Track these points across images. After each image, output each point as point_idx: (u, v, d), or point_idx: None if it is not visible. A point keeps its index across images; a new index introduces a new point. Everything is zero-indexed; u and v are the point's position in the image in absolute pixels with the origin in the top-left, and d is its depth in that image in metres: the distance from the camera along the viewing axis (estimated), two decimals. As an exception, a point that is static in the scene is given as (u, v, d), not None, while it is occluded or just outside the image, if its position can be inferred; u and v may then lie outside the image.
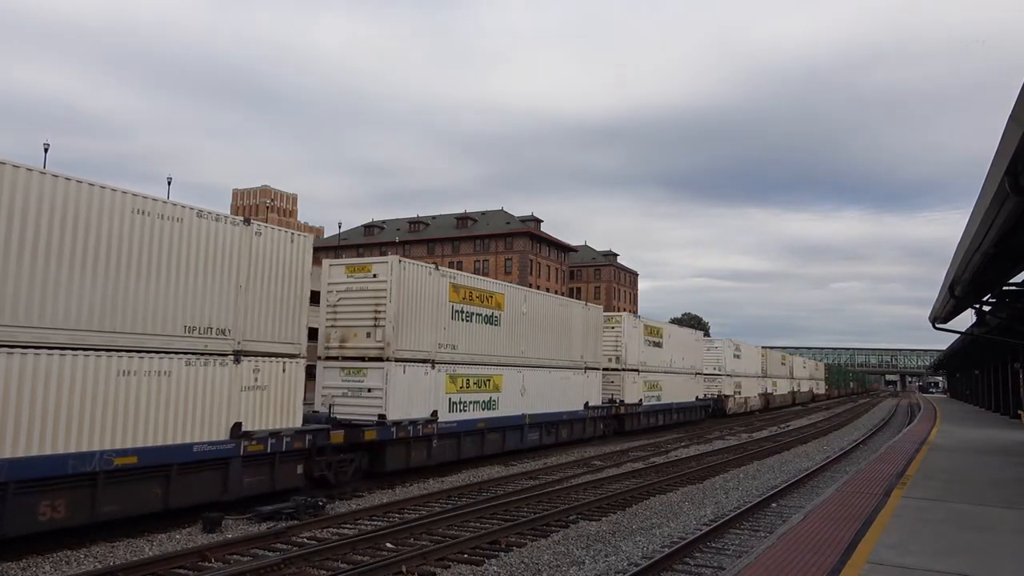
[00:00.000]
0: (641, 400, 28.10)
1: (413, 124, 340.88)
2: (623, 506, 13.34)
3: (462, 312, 17.75)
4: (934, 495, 11.52)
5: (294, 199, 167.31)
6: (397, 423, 15.17)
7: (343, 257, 22.69)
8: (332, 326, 15.93)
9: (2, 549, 8.86)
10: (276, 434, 12.21)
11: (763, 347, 52.29)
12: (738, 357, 44.50)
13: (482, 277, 20.23)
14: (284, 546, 10.00)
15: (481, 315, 18.53)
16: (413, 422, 15.67)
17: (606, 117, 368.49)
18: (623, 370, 27.26)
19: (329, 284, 16.15)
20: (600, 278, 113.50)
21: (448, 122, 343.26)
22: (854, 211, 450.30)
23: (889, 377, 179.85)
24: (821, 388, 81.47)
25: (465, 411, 17.67)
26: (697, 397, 35.81)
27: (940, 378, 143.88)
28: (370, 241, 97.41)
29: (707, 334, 58.90)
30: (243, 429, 11.59)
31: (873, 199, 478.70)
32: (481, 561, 9.37)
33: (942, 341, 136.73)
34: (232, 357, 11.54)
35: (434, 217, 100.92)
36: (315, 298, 14.89)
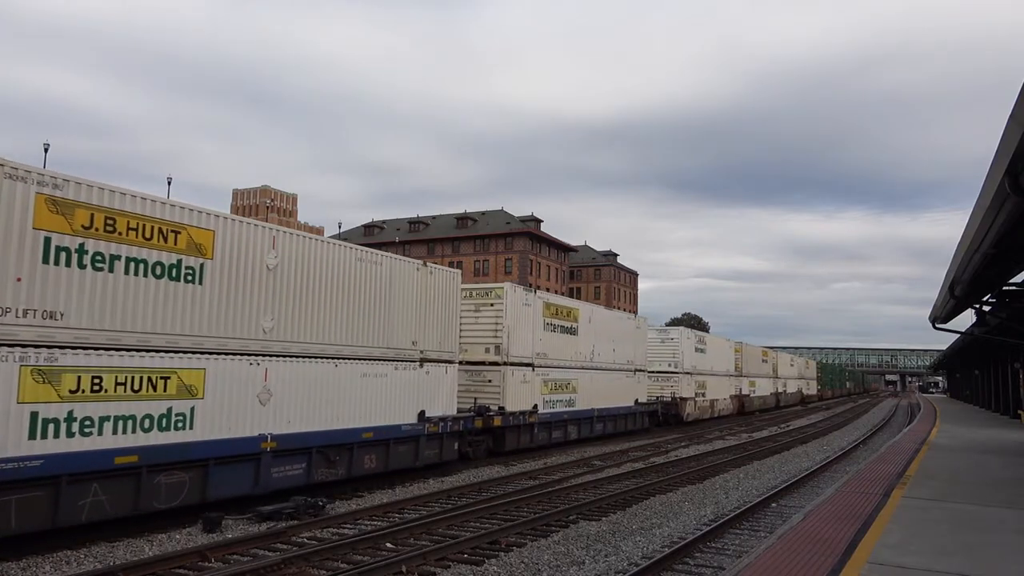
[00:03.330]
0: (537, 406, 20.82)
1: (414, 124, 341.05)
2: (623, 506, 13.34)
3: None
4: (934, 495, 11.52)
5: (294, 199, 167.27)
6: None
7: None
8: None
9: (5, 547, 8.87)
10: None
11: (738, 341, 45.60)
12: (701, 351, 37.04)
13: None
14: (284, 546, 10.00)
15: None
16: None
17: (608, 118, 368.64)
18: (508, 365, 19.89)
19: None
20: (600, 278, 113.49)
21: (449, 122, 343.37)
22: (856, 211, 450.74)
23: (889, 377, 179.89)
24: (812, 388, 74.29)
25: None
26: (637, 400, 28.33)
27: (940, 378, 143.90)
28: (370, 241, 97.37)
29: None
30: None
31: (875, 199, 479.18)
32: (481, 561, 9.38)
33: (942, 341, 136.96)
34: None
35: (434, 217, 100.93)
36: None
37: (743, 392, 44.71)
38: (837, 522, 9.32)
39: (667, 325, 40.15)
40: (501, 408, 19.13)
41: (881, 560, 7.36)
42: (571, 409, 23.05)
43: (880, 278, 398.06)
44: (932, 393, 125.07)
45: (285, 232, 12.73)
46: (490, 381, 19.66)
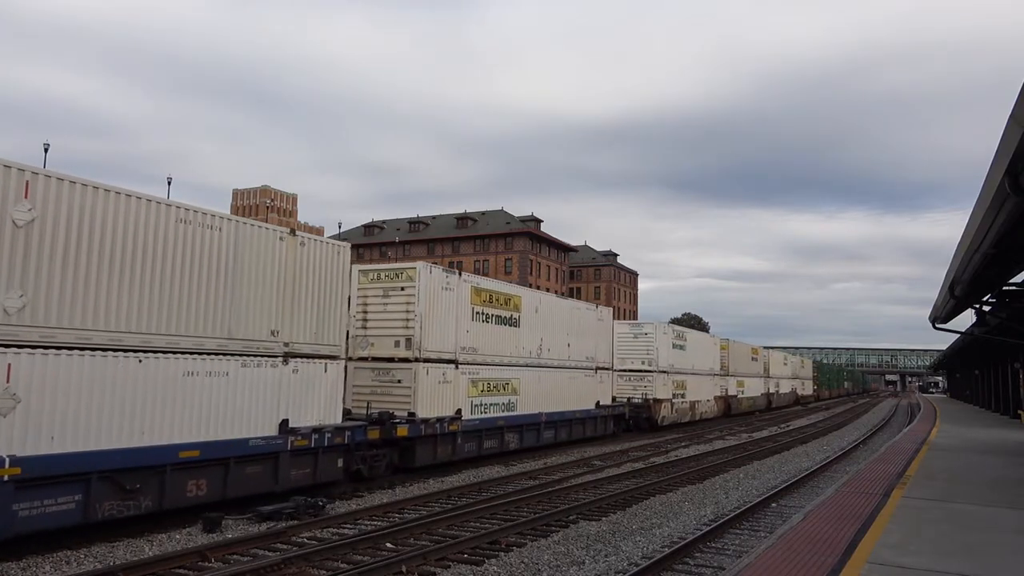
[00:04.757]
0: (460, 412, 17.51)
1: (414, 124, 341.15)
2: (623, 506, 13.34)
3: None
4: (934, 495, 11.52)
5: (294, 199, 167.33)
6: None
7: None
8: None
9: (4, 549, 8.87)
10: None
11: (724, 338, 43.01)
12: (680, 348, 33.76)
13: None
14: (284, 546, 10.00)
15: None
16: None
17: (609, 117, 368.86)
18: (421, 361, 16.38)
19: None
20: (600, 278, 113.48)
21: (450, 122, 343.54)
22: (856, 212, 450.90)
23: (889, 377, 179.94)
24: (808, 389, 71.14)
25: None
26: (599, 403, 25.01)
27: (940, 378, 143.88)
28: (370, 241, 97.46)
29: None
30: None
31: (876, 200, 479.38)
32: (481, 561, 9.38)
33: (942, 341, 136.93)
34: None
35: (434, 217, 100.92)
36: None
37: (729, 393, 41.47)
38: (837, 522, 9.32)
39: (669, 324, 37.50)
40: (411, 414, 15.83)
41: (881, 560, 7.36)
42: (510, 414, 19.56)
43: (880, 278, 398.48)
44: (932, 393, 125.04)
45: (49, 177, 9.36)
46: (399, 381, 16.26)
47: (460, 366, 17.75)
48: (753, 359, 48.72)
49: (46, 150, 42.49)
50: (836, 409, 59.27)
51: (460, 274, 18.20)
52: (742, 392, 44.52)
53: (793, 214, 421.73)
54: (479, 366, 18.56)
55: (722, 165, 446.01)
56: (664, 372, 31.32)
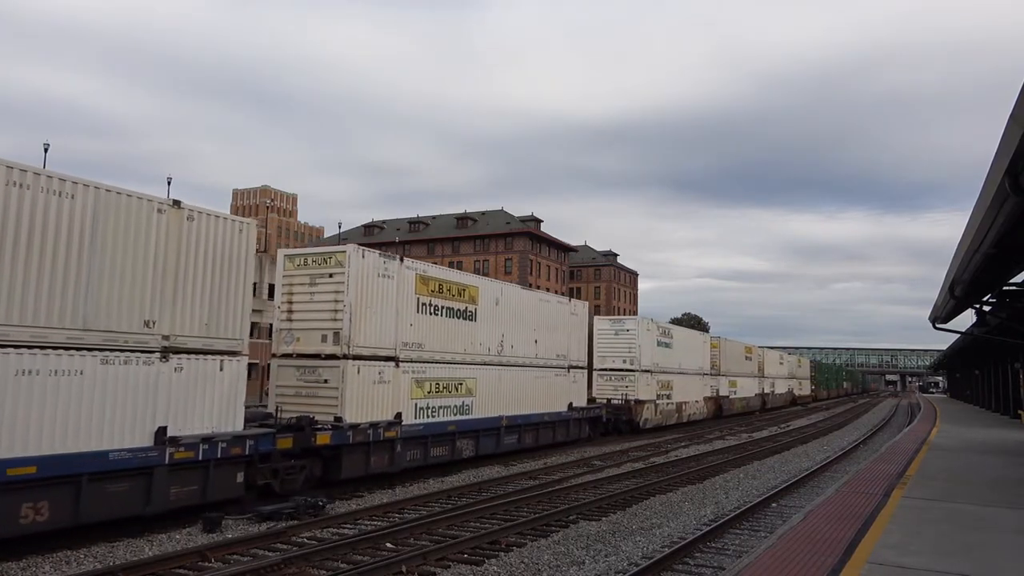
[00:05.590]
0: (401, 415, 15.49)
1: (415, 125, 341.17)
2: (623, 506, 13.34)
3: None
4: (934, 495, 11.51)
5: (294, 199, 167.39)
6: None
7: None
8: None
9: (4, 549, 8.86)
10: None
11: (715, 336, 41.59)
12: (666, 346, 31.80)
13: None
14: (284, 546, 10.00)
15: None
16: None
17: (610, 118, 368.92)
18: (351, 358, 14.51)
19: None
20: (600, 278, 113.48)
21: (452, 123, 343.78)
22: (857, 212, 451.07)
23: (889, 377, 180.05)
24: (805, 389, 69.49)
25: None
26: (572, 404, 23.21)
27: (940, 378, 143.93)
28: (370, 241, 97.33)
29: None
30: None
31: (876, 200, 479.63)
32: (481, 561, 9.38)
33: (942, 341, 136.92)
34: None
35: (434, 217, 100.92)
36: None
37: (720, 393, 39.77)
38: (837, 522, 9.31)
39: (669, 323, 35.99)
40: (338, 419, 13.97)
41: (881, 560, 7.36)
42: (465, 418, 17.67)
43: (881, 278, 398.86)
44: (932, 393, 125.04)
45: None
46: (326, 381, 14.37)
47: (401, 364, 15.75)
48: (747, 358, 47.01)
49: (46, 150, 42.51)
50: (836, 409, 59.25)
51: (402, 260, 16.06)
52: (735, 392, 42.75)
53: (794, 214, 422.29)
54: (426, 364, 16.54)
55: (723, 165, 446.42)
56: (647, 371, 29.47)
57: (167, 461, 10.43)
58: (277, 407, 14.01)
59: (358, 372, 14.51)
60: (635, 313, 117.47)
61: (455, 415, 17.39)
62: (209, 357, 11.33)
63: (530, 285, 75.96)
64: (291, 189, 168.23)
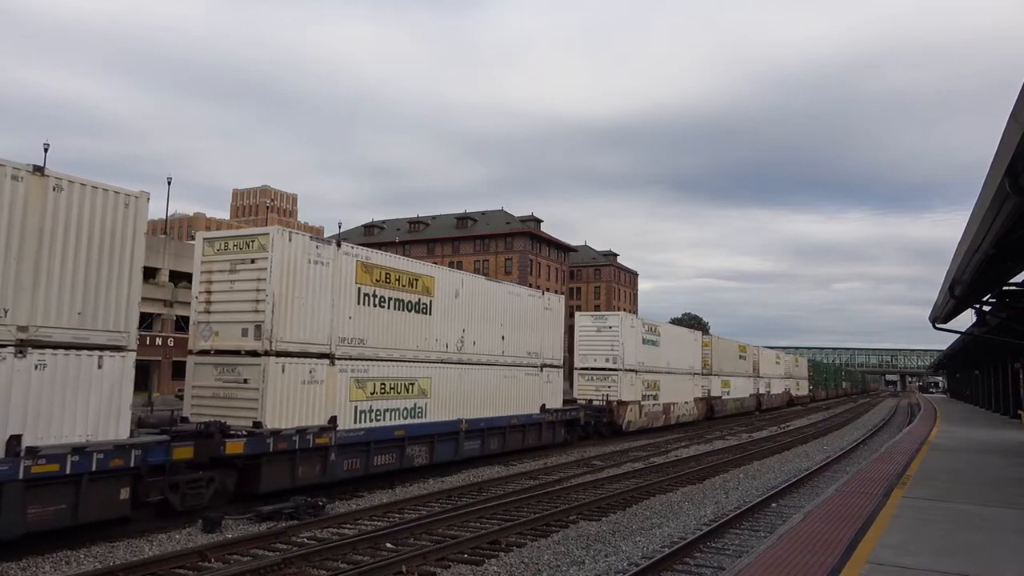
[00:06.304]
0: (334, 420, 13.82)
1: (416, 125, 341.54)
2: (623, 506, 13.34)
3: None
4: (934, 495, 11.51)
5: (294, 199, 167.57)
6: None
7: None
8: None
9: (5, 549, 8.86)
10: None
11: (707, 334, 40.08)
12: (652, 344, 30.05)
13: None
14: (284, 546, 10.00)
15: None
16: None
17: (611, 118, 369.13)
18: (274, 355, 12.86)
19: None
20: (600, 278, 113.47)
21: (452, 123, 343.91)
22: (858, 212, 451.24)
23: (889, 377, 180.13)
24: (803, 389, 67.83)
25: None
26: (544, 407, 21.49)
27: (940, 378, 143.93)
28: (370, 241, 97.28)
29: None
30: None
31: (877, 200, 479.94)
32: (481, 561, 9.38)
33: (942, 341, 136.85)
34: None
35: (434, 217, 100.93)
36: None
37: (712, 394, 38.31)
38: (837, 522, 9.31)
39: (670, 323, 34.87)
40: (257, 424, 12.35)
41: (881, 560, 7.35)
42: (417, 422, 16.01)
43: (881, 278, 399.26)
44: (932, 393, 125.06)
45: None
46: (246, 381, 12.72)
47: (338, 362, 14.09)
48: (741, 357, 45.16)
49: (46, 150, 42.54)
50: (835, 410, 59.23)
51: (339, 245, 14.45)
52: (728, 393, 41.26)
53: (795, 214, 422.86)
54: (368, 362, 14.86)
55: (723, 165, 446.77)
56: (631, 371, 27.84)
57: (21, 476, 8.75)
58: (176, 411, 12.96)
59: (283, 370, 12.89)
60: (635, 313, 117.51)
61: (405, 419, 15.72)
62: (83, 353, 9.65)
63: (530, 285, 75.94)
64: (291, 189, 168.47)
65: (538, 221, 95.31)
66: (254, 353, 12.76)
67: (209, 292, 13.54)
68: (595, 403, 26.48)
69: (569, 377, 27.08)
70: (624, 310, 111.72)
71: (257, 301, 12.90)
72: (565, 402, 24.17)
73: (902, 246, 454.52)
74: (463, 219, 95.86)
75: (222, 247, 13.50)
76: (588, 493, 14.57)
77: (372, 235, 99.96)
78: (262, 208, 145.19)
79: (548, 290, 26.21)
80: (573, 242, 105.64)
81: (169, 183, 51.97)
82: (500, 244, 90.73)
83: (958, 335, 29.93)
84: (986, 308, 19.95)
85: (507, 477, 16.51)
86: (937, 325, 23.12)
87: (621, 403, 26.78)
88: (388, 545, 10.03)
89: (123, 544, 9.87)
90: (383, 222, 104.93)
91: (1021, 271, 16.14)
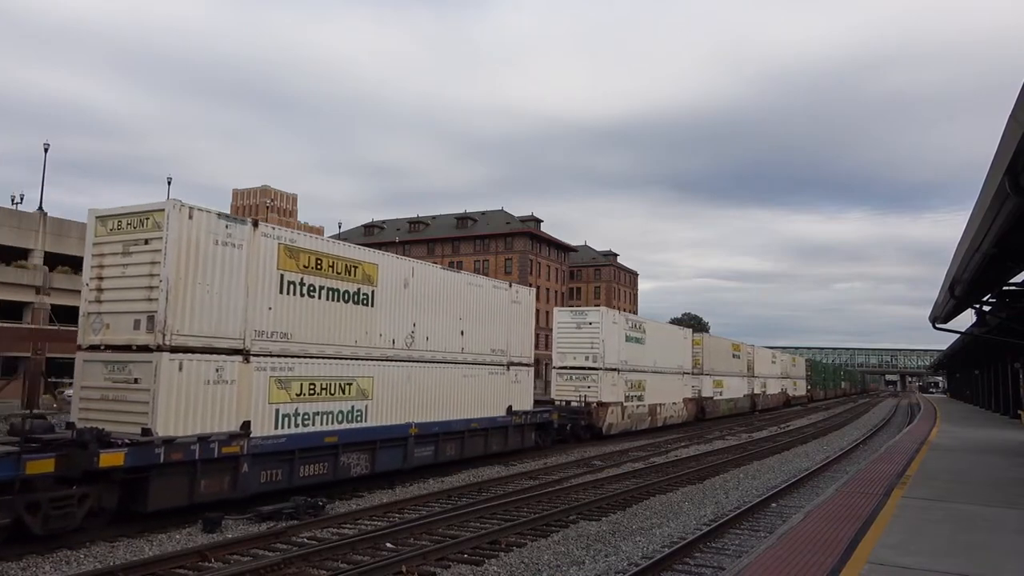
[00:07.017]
0: (247, 426, 11.94)
1: (418, 126, 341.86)
2: (623, 506, 13.34)
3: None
4: (934, 495, 11.51)
5: (294, 199, 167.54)
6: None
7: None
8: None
9: (5, 548, 8.86)
10: None
11: (698, 332, 38.78)
12: (637, 341, 28.18)
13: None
14: (284, 546, 9.99)
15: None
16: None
17: (611, 118, 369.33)
18: (170, 350, 10.91)
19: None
20: (600, 278, 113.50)
21: (452, 123, 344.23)
22: (859, 212, 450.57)
23: (889, 377, 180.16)
24: (801, 389, 66.19)
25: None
26: (511, 408, 19.72)
27: (940, 378, 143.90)
28: (370, 241, 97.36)
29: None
30: None
31: (877, 200, 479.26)
32: (481, 561, 9.38)
33: (942, 341, 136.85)
34: None
35: (434, 217, 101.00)
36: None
37: (703, 394, 36.63)
38: (837, 522, 9.31)
39: (669, 323, 33.97)
40: (146, 430, 10.54)
41: (881, 560, 7.35)
42: (354, 426, 14.23)
43: (882, 278, 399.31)
44: (932, 393, 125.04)
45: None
46: (136, 381, 10.92)
47: (254, 359, 12.26)
48: (735, 356, 43.22)
49: (46, 150, 42.51)
50: (835, 410, 59.21)
51: (256, 224, 12.51)
52: (720, 393, 39.64)
53: (795, 214, 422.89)
54: (293, 359, 13.03)
55: (723, 165, 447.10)
56: (613, 369, 26.08)
57: None
58: (50, 415, 11.34)
59: (180, 368, 11.00)
60: (635, 313, 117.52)
61: (339, 423, 13.88)
62: None
63: (530, 285, 75.91)
64: (291, 189, 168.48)
65: (538, 221, 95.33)
66: (146, 348, 10.88)
67: (100, 279, 11.72)
68: (572, 404, 24.69)
69: (544, 377, 26.25)
70: (624, 310, 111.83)
71: (150, 288, 11.05)
72: (539, 403, 22.75)
73: (902, 246, 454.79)
74: (463, 219, 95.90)
75: (115, 226, 11.63)
76: (588, 493, 14.57)
77: (372, 235, 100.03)
78: (262, 208, 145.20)
79: (549, 290, 25.86)
80: (573, 242, 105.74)
81: (169, 183, 51.93)
82: (500, 244, 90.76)
83: (958, 335, 29.93)
84: (986, 308, 19.95)
85: (507, 477, 16.52)
86: (937, 325, 23.12)
87: (601, 404, 25.02)
88: (388, 545, 10.03)
89: (123, 544, 9.87)
90: (383, 222, 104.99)
91: (1021, 271, 16.14)
